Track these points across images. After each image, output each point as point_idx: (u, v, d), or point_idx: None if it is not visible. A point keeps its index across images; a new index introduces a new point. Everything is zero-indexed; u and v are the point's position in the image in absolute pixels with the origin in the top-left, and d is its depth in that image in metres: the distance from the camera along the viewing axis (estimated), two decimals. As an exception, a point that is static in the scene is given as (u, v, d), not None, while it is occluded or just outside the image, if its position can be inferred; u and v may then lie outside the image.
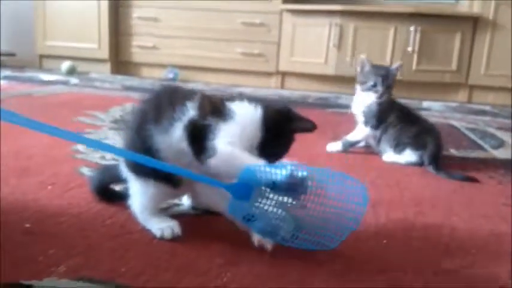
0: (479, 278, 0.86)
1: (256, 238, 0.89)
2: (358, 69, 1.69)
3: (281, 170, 0.83)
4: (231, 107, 0.93)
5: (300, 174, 0.83)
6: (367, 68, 1.66)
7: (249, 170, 0.84)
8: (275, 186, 0.83)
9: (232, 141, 0.88)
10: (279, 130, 0.93)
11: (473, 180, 1.46)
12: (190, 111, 0.91)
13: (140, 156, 0.89)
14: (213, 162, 0.87)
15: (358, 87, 1.71)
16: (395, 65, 1.71)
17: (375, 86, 1.64)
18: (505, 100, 3.20)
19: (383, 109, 1.66)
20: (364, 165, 1.61)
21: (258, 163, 0.85)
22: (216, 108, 0.92)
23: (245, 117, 0.92)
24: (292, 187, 0.83)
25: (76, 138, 0.88)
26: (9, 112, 0.78)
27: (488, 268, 0.89)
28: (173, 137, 0.90)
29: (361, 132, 1.72)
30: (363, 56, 1.69)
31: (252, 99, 0.97)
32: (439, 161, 1.56)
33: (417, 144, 1.60)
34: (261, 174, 0.83)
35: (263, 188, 0.85)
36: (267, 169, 0.84)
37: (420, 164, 1.59)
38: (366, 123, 1.69)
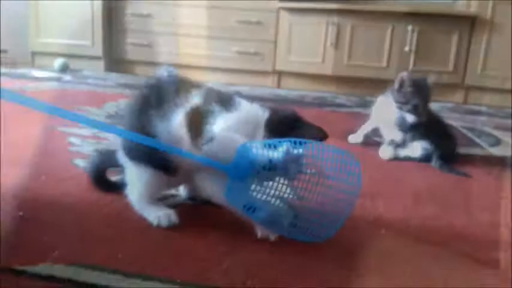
0: (478, 266, 0.85)
1: (259, 229, 0.88)
2: (396, 86, 1.58)
3: (277, 147, 0.82)
4: (239, 100, 0.92)
5: (295, 151, 0.82)
6: (408, 88, 1.55)
7: (244, 148, 0.83)
8: (271, 165, 0.82)
9: (232, 129, 0.87)
10: (285, 136, 0.88)
11: (469, 175, 1.45)
12: (195, 98, 0.90)
13: (140, 136, 0.88)
14: (211, 147, 0.85)
15: (392, 102, 1.60)
16: (429, 78, 1.62)
17: (416, 108, 1.56)
18: (501, 101, 3.20)
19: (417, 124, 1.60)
20: (362, 159, 1.59)
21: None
22: (222, 97, 0.91)
23: (249, 112, 0.91)
24: (288, 164, 0.82)
25: (73, 116, 0.87)
26: (8, 91, 0.76)
27: (487, 256, 0.89)
28: (173, 124, 0.89)
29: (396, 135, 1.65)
30: (404, 73, 1.58)
31: (262, 103, 0.95)
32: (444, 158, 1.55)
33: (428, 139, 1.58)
34: (257, 152, 0.82)
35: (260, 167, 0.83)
36: (263, 146, 0.82)
37: (425, 159, 1.57)
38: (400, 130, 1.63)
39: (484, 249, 0.93)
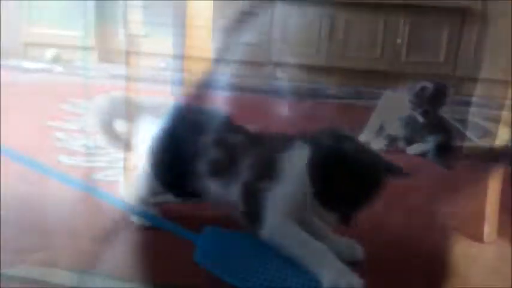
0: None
1: None
2: (417, 89, 1.62)
3: None
4: (281, 162, 0.83)
5: None
6: (427, 94, 1.60)
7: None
8: None
9: (284, 208, 0.81)
10: (333, 176, 0.77)
11: (454, 168, 1.49)
12: (246, 171, 0.85)
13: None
14: (264, 234, 0.81)
15: (402, 99, 1.65)
16: (449, 87, 1.72)
17: (426, 113, 1.60)
18: (492, 91, 3.21)
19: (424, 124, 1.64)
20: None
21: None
22: (267, 168, 0.84)
23: (293, 173, 0.81)
24: None
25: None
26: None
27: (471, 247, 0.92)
28: (228, 190, 0.86)
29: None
30: (425, 83, 1.62)
31: (308, 138, 0.83)
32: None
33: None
34: None
35: None
36: None
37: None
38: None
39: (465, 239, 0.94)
